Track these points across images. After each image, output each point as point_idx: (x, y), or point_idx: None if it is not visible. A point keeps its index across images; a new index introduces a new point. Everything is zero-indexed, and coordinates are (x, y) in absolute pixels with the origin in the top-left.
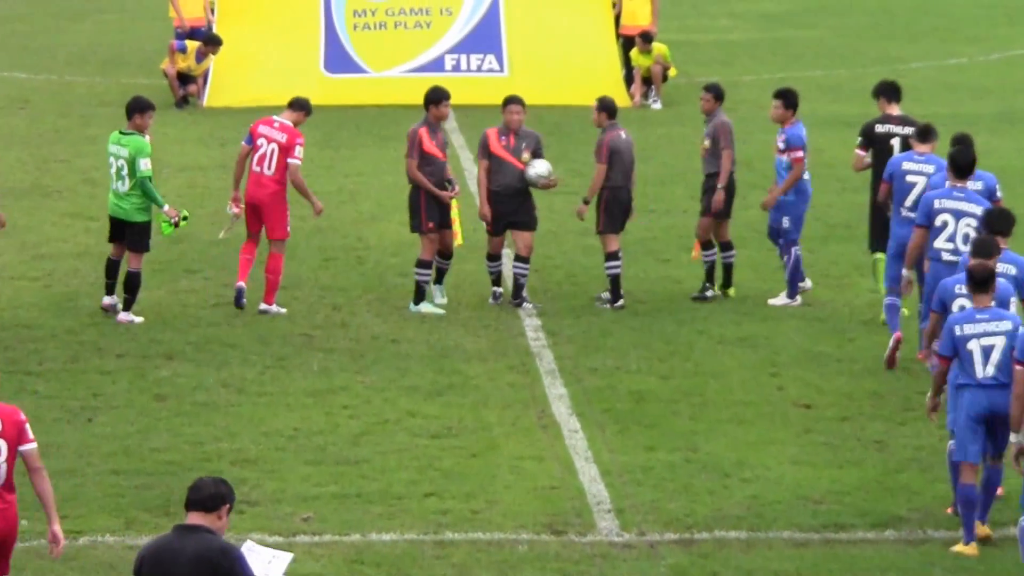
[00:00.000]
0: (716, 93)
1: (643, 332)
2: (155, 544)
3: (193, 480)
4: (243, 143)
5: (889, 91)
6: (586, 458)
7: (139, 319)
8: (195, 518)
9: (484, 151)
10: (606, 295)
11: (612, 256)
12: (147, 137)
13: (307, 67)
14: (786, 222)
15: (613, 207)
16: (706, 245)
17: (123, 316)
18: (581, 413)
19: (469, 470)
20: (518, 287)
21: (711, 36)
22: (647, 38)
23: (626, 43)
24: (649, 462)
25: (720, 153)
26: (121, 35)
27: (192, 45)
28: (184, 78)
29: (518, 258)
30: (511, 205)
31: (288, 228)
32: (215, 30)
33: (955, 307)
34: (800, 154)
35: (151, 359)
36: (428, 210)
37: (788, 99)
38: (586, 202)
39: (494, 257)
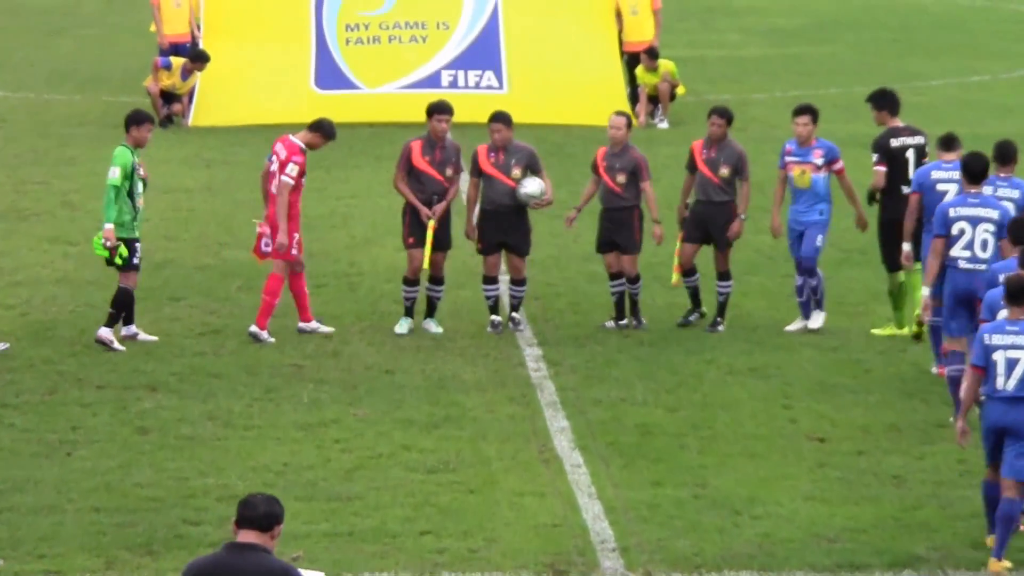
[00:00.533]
0: (729, 118)
1: (649, 362)
2: (206, 562)
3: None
4: (266, 160)
5: (892, 102)
6: (589, 494)
7: (121, 348)
8: (248, 536)
9: (475, 169)
10: (611, 324)
11: (639, 277)
12: (141, 167)
13: (297, 83)
14: (820, 240)
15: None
16: (689, 271)
17: (103, 332)
18: (584, 447)
19: (467, 507)
20: (515, 301)
21: (721, 52)
22: (653, 54)
23: (630, 60)
24: (655, 498)
25: (739, 184)
26: (103, 51)
27: (177, 62)
28: (168, 96)
29: (513, 281)
30: (503, 223)
31: (296, 251)
32: (201, 46)
33: (1000, 318)
34: (842, 163)
35: (133, 390)
36: (411, 225)
37: (816, 115)
38: (658, 221)
39: (490, 280)
